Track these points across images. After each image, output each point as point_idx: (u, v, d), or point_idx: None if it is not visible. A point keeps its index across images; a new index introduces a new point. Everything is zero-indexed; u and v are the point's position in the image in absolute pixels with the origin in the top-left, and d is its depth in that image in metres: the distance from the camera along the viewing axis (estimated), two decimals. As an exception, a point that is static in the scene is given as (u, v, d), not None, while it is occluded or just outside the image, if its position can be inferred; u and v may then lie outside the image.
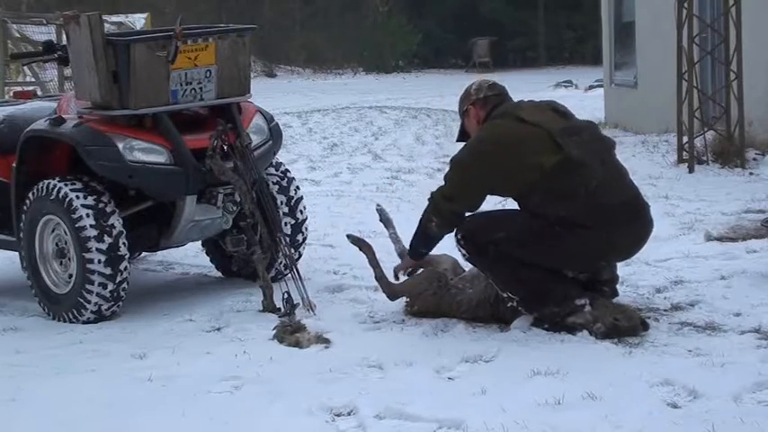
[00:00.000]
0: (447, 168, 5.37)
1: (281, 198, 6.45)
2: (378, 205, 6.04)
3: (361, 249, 5.75)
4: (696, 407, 4.08)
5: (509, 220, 5.21)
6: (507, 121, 5.18)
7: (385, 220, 5.88)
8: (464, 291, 5.37)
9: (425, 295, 5.44)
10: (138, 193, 6.07)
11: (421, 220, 5.34)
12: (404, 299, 5.58)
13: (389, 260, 5.83)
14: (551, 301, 5.06)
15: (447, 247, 6.82)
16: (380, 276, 5.63)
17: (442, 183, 5.29)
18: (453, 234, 5.27)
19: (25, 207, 6.06)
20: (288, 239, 6.24)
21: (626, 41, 16.08)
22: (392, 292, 5.61)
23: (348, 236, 5.89)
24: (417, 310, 5.47)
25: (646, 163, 11.08)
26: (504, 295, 5.16)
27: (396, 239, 5.82)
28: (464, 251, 5.26)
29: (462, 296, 5.35)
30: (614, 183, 5.16)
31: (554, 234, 5.04)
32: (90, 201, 5.79)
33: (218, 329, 5.55)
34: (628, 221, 5.13)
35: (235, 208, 6.02)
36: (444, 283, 5.42)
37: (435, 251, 6.10)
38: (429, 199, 5.31)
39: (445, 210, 5.22)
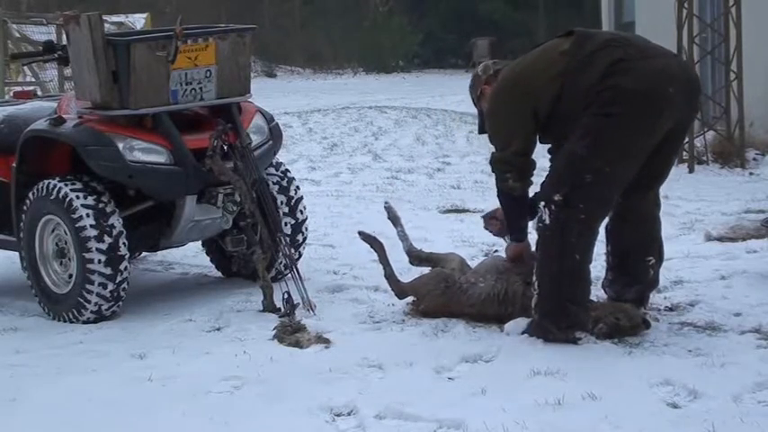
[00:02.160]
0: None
1: (281, 198, 6.44)
2: (386, 202, 6.04)
3: (372, 246, 5.75)
4: (696, 407, 4.08)
5: (570, 154, 4.91)
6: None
7: (393, 217, 5.87)
8: (475, 284, 5.35)
9: (433, 295, 5.43)
10: (138, 193, 6.06)
11: (498, 189, 5.20)
12: (410, 298, 5.58)
13: (393, 258, 5.82)
14: (554, 320, 4.91)
15: (450, 247, 6.84)
16: (389, 275, 5.63)
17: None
18: (546, 200, 4.93)
19: (25, 207, 6.06)
20: (288, 239, 6.23)
21: (626, 42, 16.07)
22: (400, 291, 5.61)
23: (360, 233, 5.89)
24: (424, 309, 5.47)
25: (646, 163, 11.06)
26: (533, 281, 5.04)
27: (403, 237, 5.80)
28: (551, 216, 4.89)
29: (472, 290, 5.34)
30: (632, 36, 5.28)
31: (611, 99, 4.83)
32: (90, 201, 5.79)
33: (218, 329, 5.55)
34: (663, 54, 5.02)
35: (235, 208, 6.01)
36: (452, 283, 5.40)
37: (438, 251, 6.10)
38: (491, 166, 5.18)
39: (508, 157, 5.08)
